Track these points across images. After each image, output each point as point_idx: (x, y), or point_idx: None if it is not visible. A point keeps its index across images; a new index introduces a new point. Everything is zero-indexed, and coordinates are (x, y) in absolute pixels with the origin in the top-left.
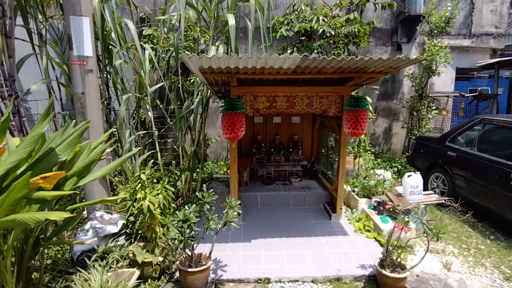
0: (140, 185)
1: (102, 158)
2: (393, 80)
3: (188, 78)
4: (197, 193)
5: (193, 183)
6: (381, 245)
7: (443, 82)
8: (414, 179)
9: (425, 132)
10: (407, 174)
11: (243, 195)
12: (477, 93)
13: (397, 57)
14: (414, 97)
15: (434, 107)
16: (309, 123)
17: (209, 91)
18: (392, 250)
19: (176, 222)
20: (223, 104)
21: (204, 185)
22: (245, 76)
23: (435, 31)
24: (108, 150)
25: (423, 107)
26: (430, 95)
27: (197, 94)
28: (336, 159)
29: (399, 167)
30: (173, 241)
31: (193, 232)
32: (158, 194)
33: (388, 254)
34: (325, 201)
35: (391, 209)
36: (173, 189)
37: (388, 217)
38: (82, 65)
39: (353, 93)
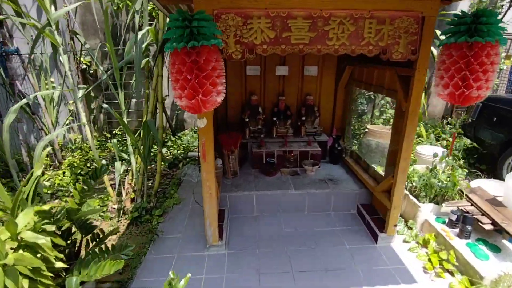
0: None
1: None
2: None
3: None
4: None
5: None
6: None
7: (505, 18)
8: None
9: None
10: None
11: (229, 196)
12: None
13: None
14: None
15: (503, 53)
16: (331, 75)
17: (167, 20)
18: None
19: None
20: (170, 25)
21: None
22: None
23: None
24: None
25: None
26: None
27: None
28: (366, 131)
29: (450, 139)
30: None
31: None
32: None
33: None
34: (360, 204)
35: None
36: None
37: (482, 244)
38: None
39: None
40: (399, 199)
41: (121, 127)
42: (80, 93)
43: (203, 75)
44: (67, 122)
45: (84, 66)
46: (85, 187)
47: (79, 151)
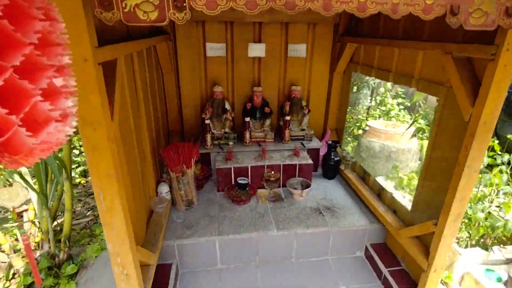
0: None
1: None
2: None
3: None
4: None
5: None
6: None
7: None
8: None
9: None
10: None
11: (178, 245)
12: None
13: None
14: None
15: None
16: (325, 57)
17: None
18: None
19: None
20: None
21: None
22: None
23: None
24: None
25: None
26: None
27: None
28: (366, 129)
29: None
30: None
31: None
32: None
33: None
34: (370, 244)
35: None
36: None
37: None
38: None
39: None
40: (444, 258)
41: None
42: None
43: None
44: None
45: None
46: None
47: None
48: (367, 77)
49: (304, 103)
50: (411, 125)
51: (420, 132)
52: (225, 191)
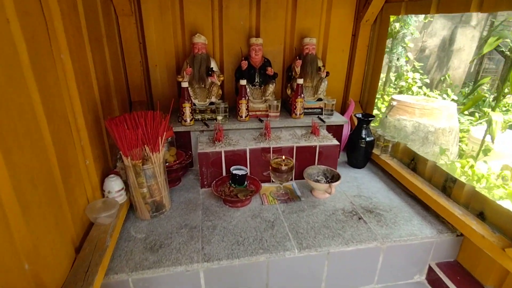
0: None
1: None
2: None
3: None
4: None
5: None
6: None
7: None
8: None
9: None
10: None
11: (136, 281)
12: None
13: None
14: None
15: None
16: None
17: None
18: None
19: None
20: None
21: None
22: None
23: None
24: None
25: None
26: None
27: None
28: (393, 104)
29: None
30: None
31: None
32: None
33: None
34: (436, 264)
35: None
36: None
37: None
38: None
39: None
40: None
41: None
42: None
43: None
44: None
45: None
46: None
47: None
48: (404, 30)
49: (320, 63)
50: (475, 89)
51: (484, 102)
52: (212, 188)
